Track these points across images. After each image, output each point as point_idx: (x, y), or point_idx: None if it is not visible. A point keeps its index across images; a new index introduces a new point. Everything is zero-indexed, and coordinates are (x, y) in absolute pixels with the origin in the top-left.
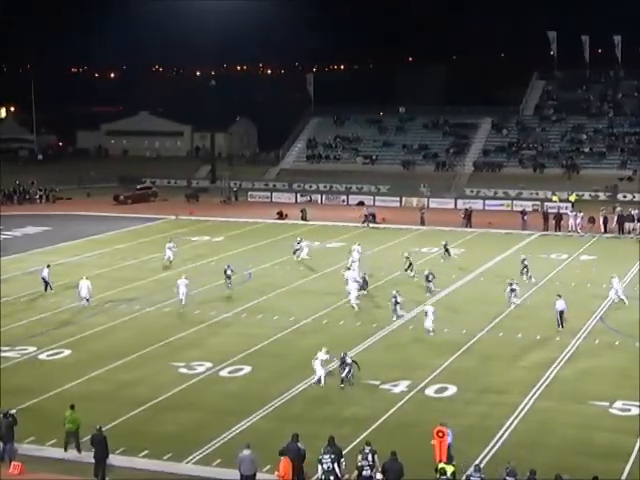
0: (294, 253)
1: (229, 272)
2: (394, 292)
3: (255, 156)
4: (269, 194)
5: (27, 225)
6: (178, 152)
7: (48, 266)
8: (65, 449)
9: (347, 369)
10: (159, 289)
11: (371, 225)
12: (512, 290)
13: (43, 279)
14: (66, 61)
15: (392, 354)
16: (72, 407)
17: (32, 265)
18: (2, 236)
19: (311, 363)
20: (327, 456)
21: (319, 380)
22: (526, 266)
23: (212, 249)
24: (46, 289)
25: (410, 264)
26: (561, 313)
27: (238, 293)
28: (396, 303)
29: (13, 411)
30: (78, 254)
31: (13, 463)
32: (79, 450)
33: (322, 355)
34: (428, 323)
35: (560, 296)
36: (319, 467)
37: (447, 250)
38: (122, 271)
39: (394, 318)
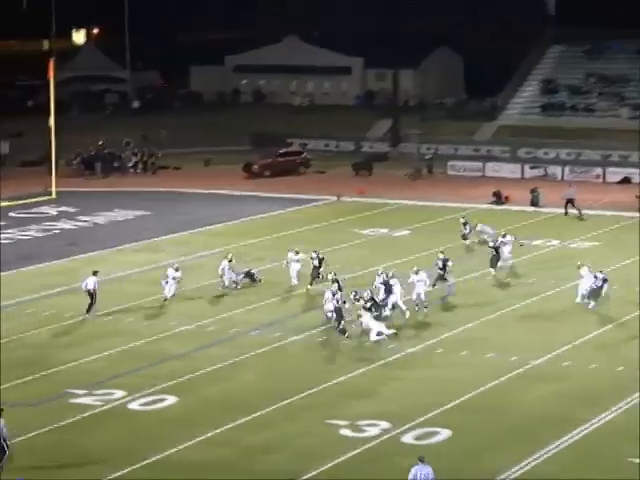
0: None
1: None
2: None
3: (460, 106)
4: (481, 165)
5: (114, 208)
6: (342, 99)
7: (95, 273)
8: None
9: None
10: (310, 307)
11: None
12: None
13: (89, 292)
14: None
15: None
16: None
17: (120, 268)
18: (77, 223)
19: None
20: None
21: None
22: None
23: (392, 248)
24: (89, 309)
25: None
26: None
27: (430, 317)
28: None
29: None
30: (188, 253)
31: None
32: None
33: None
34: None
35: None
36: None
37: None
38: None
39: None
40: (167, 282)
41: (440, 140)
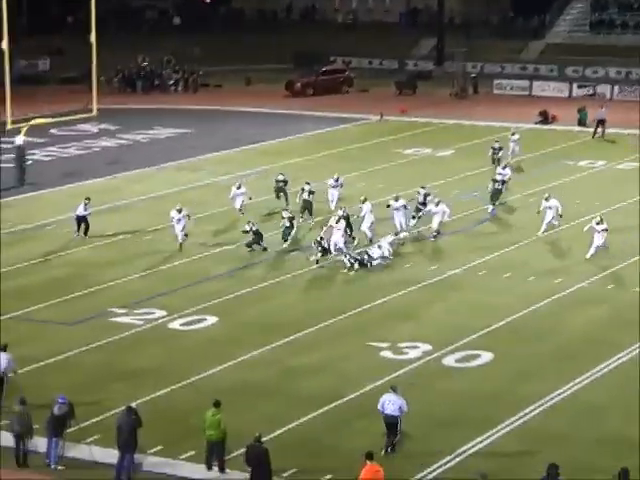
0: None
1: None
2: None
3: (507, 23)
4: (527, 83)
5: (156, 125)
6: (386, 16)
7: (87, 200)
8: (207, 466)
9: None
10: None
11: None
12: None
13: (77, 219)
14: None
15: None
16: (216, 404)
17: (162, 187)
18: (118, 141)
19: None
20: None
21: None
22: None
23: (435, 168)
24: (85, 232)
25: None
26: None
27: (472, 239)
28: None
29: (133, 404)
30: (231, 172)
31: None
32: (222, 468)
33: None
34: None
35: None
36: None
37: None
38: (296, 200)
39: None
40: (174, 224)
41: (486, 58)
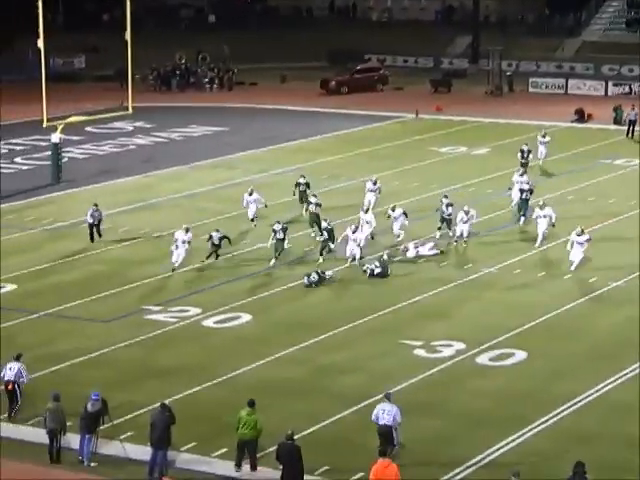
0: None
1: (215, 239)
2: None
3: (542, 21)
4: (563, 82)
5: (190, 123)
6: (421, 14)
7: (95, 206)
8: (237, 464)
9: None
10: (384, 230)
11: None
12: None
13: (89, 225)
14: None
15: None
16: (251, 404)
17: (196, 185)
18: (153, 139)
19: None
20: None
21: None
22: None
23: (470, 166)
24: (92, 238)
25: None
26: None
27: (507, 238)
28: None
29: (167, 401)
30: (265, 170)
31: (164, 479)
32: (254, 466)
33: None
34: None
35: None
36: None
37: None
38: (330, 198)
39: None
40: (177, 247)
41: (521, 56)
